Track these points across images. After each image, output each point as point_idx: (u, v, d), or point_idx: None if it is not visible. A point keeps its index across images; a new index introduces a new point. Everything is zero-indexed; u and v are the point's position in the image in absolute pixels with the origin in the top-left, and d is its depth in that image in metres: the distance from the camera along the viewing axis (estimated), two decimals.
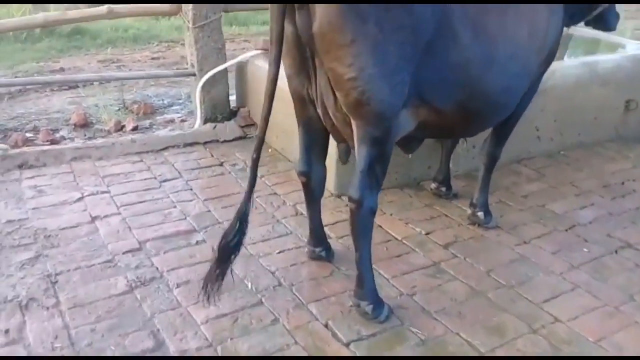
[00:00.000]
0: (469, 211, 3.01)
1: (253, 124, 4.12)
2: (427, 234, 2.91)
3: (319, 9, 1.85)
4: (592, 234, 2.94)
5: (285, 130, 3.69)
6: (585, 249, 2.80)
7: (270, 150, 3.87)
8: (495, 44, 2.14)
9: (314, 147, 2.37)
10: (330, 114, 2.12)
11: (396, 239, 2.87)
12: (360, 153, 2.05)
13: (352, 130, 2.12)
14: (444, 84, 2.10)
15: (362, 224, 2.15)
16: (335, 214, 3.08)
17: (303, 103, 2.23)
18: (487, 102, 2.26)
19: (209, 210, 3.09)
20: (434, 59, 2.00)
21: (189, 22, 3.93)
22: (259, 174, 3.45)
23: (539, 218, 3.10)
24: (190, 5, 3.86)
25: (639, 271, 2.63)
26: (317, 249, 2.61)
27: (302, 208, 3.06)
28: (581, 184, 3.54)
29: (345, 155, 2.51)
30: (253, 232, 2.85)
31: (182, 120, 4.42)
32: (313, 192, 2.48)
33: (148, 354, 2.06)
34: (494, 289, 2.47)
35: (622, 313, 2.33)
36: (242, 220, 2.14)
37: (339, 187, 3.26)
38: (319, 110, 2.17)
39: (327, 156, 3.14)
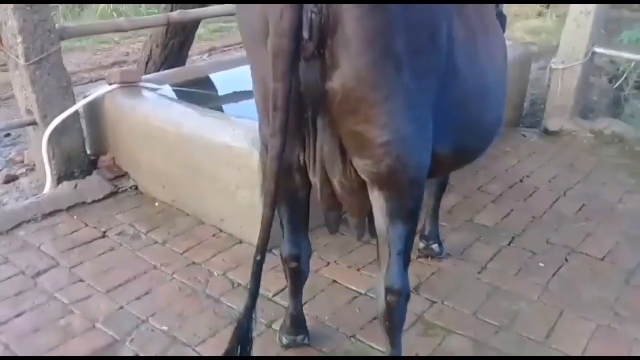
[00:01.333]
0: (421, 244, 2.75)
1: (124, 175, 3.36)
2: None
3: (345, 59, 1.38)
4: (533, 243, 2.90)
5: (173, 179, 3.07)
6: (540, 264, 2.74)
7: (157, 204, 3.19)
8: (486, 72, 1.87)
9: (299, 223, 1.88)
10: (335, 183, 1.66)
11: (360, 292, 2.50)
12: (392, 232, 1.62)
13: (361, 201, 1.70)
14: (446, 126, 1.76)
15: (401, 315, 1.75)
16: (279, 277, 2.59)
17: (288, 172, 1.72)
18: (483, 138, 1.99)
19: (122, 307, 2.38)
20: (441, 100, 1.66)
21: (18, 58, 3.02)
22: (159, 240, 2.86)
23: (477, 235, 2.97)
24: (19, 37, 2.96)
25: (598, 278, 2.63)
26: (299, 337, 2.13)
27: (235, 276, 2.54)
28: (488, 188, 3.52)
29: (335, 224, 2.05)
30: (194, 324, 2.27)
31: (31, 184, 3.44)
32: (302, 276, 2.01)
33: None
34: (493, 334, 2.26)
35: (617, 331, 2.28)
36: (243, 343, 1.60)
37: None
38: (315, 179, 1.69)
39: (249, 205, 2.68)
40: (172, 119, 2.96)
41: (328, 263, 2.71)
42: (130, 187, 3.31)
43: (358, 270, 2.66)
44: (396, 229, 1.62)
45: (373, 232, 2.14)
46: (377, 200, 1.59)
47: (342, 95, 1.42)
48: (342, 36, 1.35)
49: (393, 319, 1.73)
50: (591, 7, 4.22)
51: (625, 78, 5.31)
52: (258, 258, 1.66)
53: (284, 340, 2.13)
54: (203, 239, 2.87)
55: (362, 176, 1.57)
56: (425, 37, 1.45)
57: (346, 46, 1.36)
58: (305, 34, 1.36)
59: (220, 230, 2.93)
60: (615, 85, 5.25)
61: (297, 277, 1.98)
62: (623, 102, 5.15)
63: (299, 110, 1.52)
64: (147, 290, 2.48)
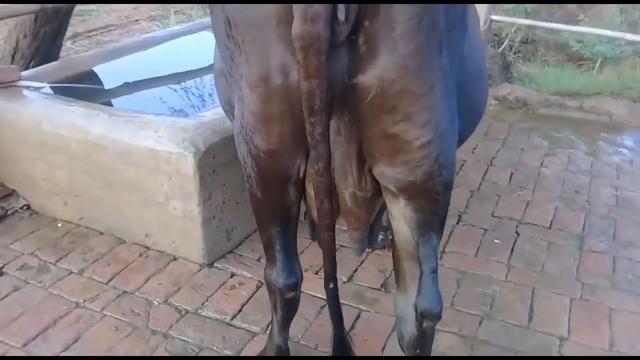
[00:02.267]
0: (380, 236, 2.54)
1: (10, 193, 2.78)
2: (359, 284, 2.35)
3: (387, 44, 1.10)
4: (480, 219, 2.82)
5: (78, 193, 2.58)
6: (495, 240, 2.66)
7: (60, 225, 2.67)
8: (478, 52, 1.67)
9: (293, 246, 1.57)
10: (346, 195, 1.37)
11: (343, 303, 2.24)
12: (425, 247, 1.36)
13: (371, 214, 1.45)
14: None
15: (432, 340, 1.51)
16: (230, 296, 2.26)
17: (283, 186, 1.40)
18: (475, 123, 1.79)
19: None
20: None
21: None
22: (74, 269, 2.38)
23: None
24: None
25: (552, 248, 2.60)
26: None
27: (180, 301, 2.19)
28: None
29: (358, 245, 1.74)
30: None
31: None
32: (297, 305, 1.69)
33: None
34: (477, 325, 2.12)
35: (591, 302, 2.26)
36: None
37: (211, 251, 2.42)
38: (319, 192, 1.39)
39: (183, 216, 2.31)
40: (74, 123, 2.46)
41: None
42: (22, 208, 2.75)
43: (316, 273, 2.40)
44: (429, 243, 1.37)
45: (371, 245, 1.89)
46: (404, 212, 1.33)
47: (378, 90, 1.14)
48: (387, 15, 1.06)
49: (427, 345, 1.50)
50: None
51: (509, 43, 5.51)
52: (331, 286, 1.38)
53: None
54: (129, 261, 2.43)
55: (388, 186, 1.30)
56: (459, 12, 1.21)
57: (390, 28, 1.08)
58: (341, 16, 1.05)
59: (148, 248, 2.51)
60: (500, 50, 5.39)
61: (293, 308, 1.68)
62: (511, 67, 5.31)
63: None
64: (74, 336, 2.04)
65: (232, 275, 2.37)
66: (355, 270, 2.41)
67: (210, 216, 2.37)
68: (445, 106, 1.23)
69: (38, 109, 2.58)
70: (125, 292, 2.26)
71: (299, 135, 1.25)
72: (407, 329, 1.47)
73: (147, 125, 2.35)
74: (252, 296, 2.25)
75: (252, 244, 2.59)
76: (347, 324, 2.08)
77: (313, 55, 1.06)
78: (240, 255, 2.51)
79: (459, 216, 2.85)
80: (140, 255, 2.47)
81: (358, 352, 1.95)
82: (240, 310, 2.17)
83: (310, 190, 1.41)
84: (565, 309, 2.22)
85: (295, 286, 1.56)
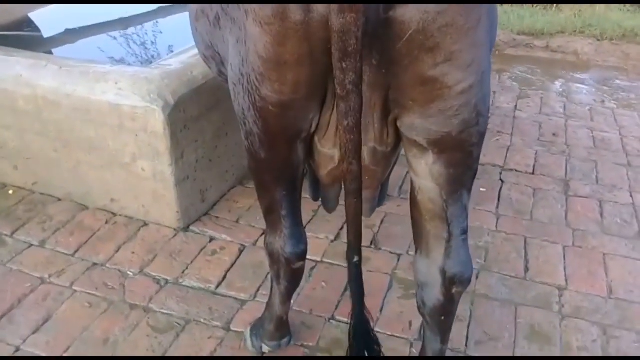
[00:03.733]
0: None
1: None
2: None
3: None
4: None
5: (30, 156, 2.32)
6: (481, 189, 2.57)
7: (11, 192, 2.40)
8: None
9: (299, 210, 1.39)
10: (365, 151, 1.21)
11: (315, 260, 2.10)
12: (455, 206, 1.23)
13: (386, 170, 1.30)
14: None
15: (458, 302, 1.39)
16: (212, 262, 2.09)
17: (293, 144, 1.22)
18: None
19: (17, 348, 1.72)
20: None
21: None
22: (34, 242, 2.15)
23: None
24: None
25: (539, 194, 2.54)
26: (284, 341, 1.70)
27: (157, 271, 2.02)
28: None
29: (336, 201, 1.57)
30: (130, 349, 1.73)
31: None
32: (302, 275, 1.53)
33: None
34: (475, 279, 2.04)
35: (585, 249, 2.21)
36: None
37: (185, 214, 2.22)
38: (333, 149, 1.22)
39: (153, 177, 2.10)
40: (18, 76, 2.16)
41: (263, 231, 2.23)
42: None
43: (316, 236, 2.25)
44: (460, 202, 1.23)
45: (381, 203, 1.75)
46: (432, 168, 1.18)
47: (420, 25, 0.97)
48: None
49: (453, 311, 1.38)
50: None
51: None
52: (356, 259, 1.22)
53: (265, 348, 1.69)
54: (95, 229, 2.21)
55: (417, 139, 1.14)
56: None
57: None
58: None
59: (114, 214, 2.29)
60: None
61: (299, 277, 1.52)
62: None
63: (329, 61, 1.02)
64: (44, 316, 1.83)
65: (211, 239, 2.20)
66: (342, 227, 2.27)
67: (183, 176, 2.16)
68: (488, 43, 1.08)
69: None
70: (95, 264, 2.05)
71: (317, 84, 1.08)
72: (431, 295, 1.34)
73: (105, 77, 2.09)
74: (235, 261, 2.09)
75: (229, 204, 2.41)
76: (338, 286, 1.98)
77: (352, 28, 0.88)
78: (217, 217, 2.33)
79: None
80: (107, 222, 2.25)
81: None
82: (224, 278, 2.01)
83: (321, 147, 1.24)
84: (559, 257, 2.16)
85: (304, 254, 1.41)
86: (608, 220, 2.37)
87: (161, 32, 3.07)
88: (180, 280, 1.99)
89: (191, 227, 2.25)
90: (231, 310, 1.88)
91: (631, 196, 2.53)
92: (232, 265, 2.07)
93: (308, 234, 2.18)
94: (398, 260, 2.12)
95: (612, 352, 1.77)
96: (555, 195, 2.53)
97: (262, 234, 2.24)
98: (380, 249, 2.18)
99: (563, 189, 2.58)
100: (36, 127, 2.22)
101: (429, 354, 1.44)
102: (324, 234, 2.23)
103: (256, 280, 2.00)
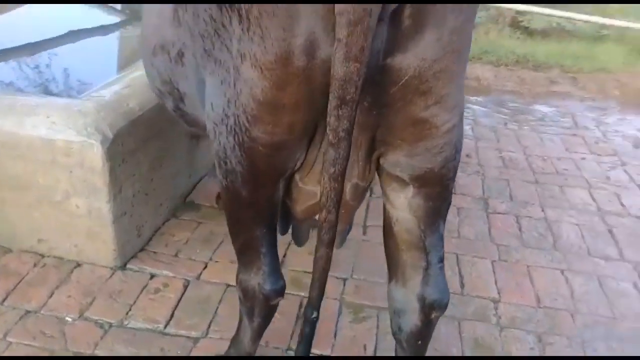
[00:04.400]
0: None
1: None
2: (293, 269, 2.22)
3: (435, 18, 0.99)
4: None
5: None
6: None
7: None
8: None
9: (276, 246, 1.39)
10: (347, 187, 1.24)
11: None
12: (432, 236, 1.28)
13: (358, 205, 1.35)
14: None
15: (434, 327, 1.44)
16: (155, 300, 2.01)
17: (277, 182, 1.23)
18: None
19: None
20: None
21: None
22: None
23: None
24: None
25: (462, 212, 2.70)
26: None
27: (98, 314, 1.93)
28: None
29: (307, 234, 1.57)
30: None
31: None
32: (275, 312, 1.51)
33: None
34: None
35: (511, 263, 2.38)
36: None
37: (122, 251, 2.13)
38: (315, 186, 1.25)
39: (87, 215, 2.01)
40: None
41: (205, 264, 2.21)
42: None
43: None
44: (437, 232, 1.29)
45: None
46: (411, 201, 1.24)
47: (416, 71, 1.02)
48: None
49: (429, 335, 1.43)
50: None
51: None
52: (314, 316, 1.21)
53: None
54: (22, 274, 2.06)
55: (400, 175, 1.20)
56: None
57: None
58: None
59: (42, 256, 2.15)
60: None
61: (273, 314, 1.50)
62: None
63: (325, 100, 1.05)
64: None
65: (152, 276, 2.12)
66: (285, 255, 2.29)
67: (121, 212, 2.08)
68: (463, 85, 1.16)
69: None
70: (28, 311, 1.91)
71: (309, 126, 1.11)
72: (408, 322, 1.39)
73: (35, 110, 1.97)
74: (181, 298, 2.03)
75: (165, 238, 2.34)
76: (291, 316, 1.98)
77: (360, 33, 0.92)
78: (155, 252, 2.25)
79: (371, 189, 2.84)
80: (35, 265, 2.10)
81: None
82: (172, 316, 1.95)
83: (303, 184, 1.26)
84: (489, 271, 2.31)
85: (283, 290, 1.41)
86: (526, 235, 2.57)
87: (69, 60, 2.93)
88: (125, 322, 1.90)
89: (128, 265, 2.16)
90: (184, 349, 1.83)
91: (543, 211, 2.76)
92: (178, 302, 2.01)
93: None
94: (344, 284, 2.17)
95: None
96: (477, 213, 2.71)
97: (204, 267, 2.20)
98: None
99: (483, 207, 2.76)
100: None
101: None
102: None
103: (205, 316, 1.96)
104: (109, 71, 2.65)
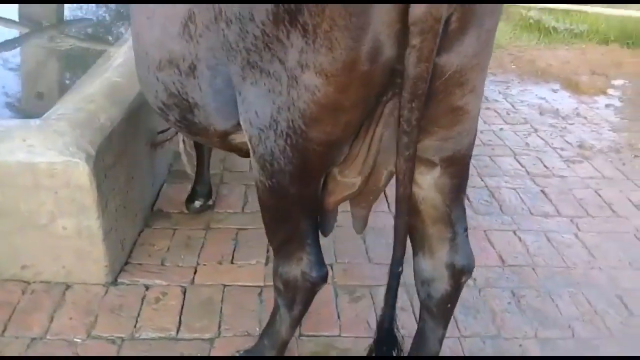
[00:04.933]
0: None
1: None
2: None
3: (476, 21, 1.15)
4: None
5: None
6: None
7: None
8: None
9: (318, 237, 1.50)
10: (384, 174, 1.39)
11: (259, 285, 2.16)
12: (457, 209, 1.45)
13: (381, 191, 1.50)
14: None
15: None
16: (158, 310, 2.03)
17: (322, 176, 1.37)
18: None
19: None
20: None
21: None
22: None
23: None
24: None
25: None
26: None
27: (107, 330, 1.97)
28: None
29: (332, 225, 1.66)
30: None
31: None
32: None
33: None
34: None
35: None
36: None
37: (112, 268, 2.12)
38: (358, 176, 1.38)
39: (83, 231, 2.00)
40: None
41: (195, 269, 2.25)
42: None
43: (232, 262, 2.31)
44: (461, 205, 1.46)
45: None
46: (438, 181, 1.39)
47: (459, 65, 1.18)
48: None
49: (457, 298, 1.59)
50: None
51: None
52: (400, 270, 1.39)
53: None
54: (14, 303, 1.99)
55: (431, 158, 1.35)
56: None
57: (482, 5, 1.14)
58: None
59: (28, 283, 2.08)
60: None
61: (312, 301, 1.60)
62: None
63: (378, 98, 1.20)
64: None
65: (147, 287, 2.13)
66: (268, 250, 2.37)
67: (109, 228, 2.07)
68: None
69: None
70: (33, 338, 1.86)
71: (360, 123, 1.23)
72: (438, 289, 1.54)
73: (9, 134, 1.91)
74: (183, 304, 2.07)
75: (145, 249, 2.35)
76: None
77: (432, 39, 1.06)
78: (140, 264, 2.26)
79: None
80: (24, 293, 2.04)
81: (314, 326, 1.98)
82: (180, 322, 1.98)
83: (342, 177, 1.38)
84: None
85: (327, 277, 1.52)
86: (475, 203, 2.84)
87: None
88: (137, 335, 1.92)
89: (119, 280, 2.15)
90: (203, 351, 1.88)
91: (482, 180, 3.05)
92: (182, 308, 2.05)
93: (237, 262, 2.29)
94: (332, 269, 2.30)
95: (525, 309, 2.17)
96: None
97: (194, 271, 2.24)
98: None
99: None
100: None
101: (430, 341, 1.65)
102: (254, 259, 2.32)
103: (212, 317, 2.02)
104: (44, 86, 2.57)
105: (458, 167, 1.40)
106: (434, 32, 1.06)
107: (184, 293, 2.12)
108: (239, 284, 2.18)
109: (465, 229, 1.50)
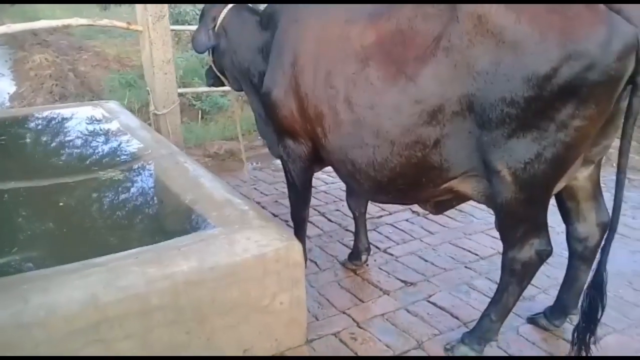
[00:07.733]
0: None
1: None
2: None
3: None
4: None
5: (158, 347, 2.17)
6: None
7: None
8: None
9: None
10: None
11: (405, 282, 2.85)
12: (599, 188, 2.43)
13: None
14: None
15: None
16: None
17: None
18: None
19: None
20: None
21: None
22: None
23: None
24: None
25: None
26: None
27: None
28: None
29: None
30: None
31: None
32: None
33: None
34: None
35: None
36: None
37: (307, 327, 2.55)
38: None
39: (293, 300, 2.46)
40: None
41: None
42: None
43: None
44: (599, 184, 2.43)
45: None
46: (592, 173, 2.35)
47: None
48: None
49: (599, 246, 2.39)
50: (170, 55, 4.82)
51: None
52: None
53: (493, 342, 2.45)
54: None
55: (594, 158, 2.27)
56: None
57: None
58: None
59: None
60: None
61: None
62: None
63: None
64: None
65: (338, 331, 2.62)
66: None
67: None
68: None
69: None
70: None
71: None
72: (592, 240, 2.41)
73: (238, 236, 2.30)
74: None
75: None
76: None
77: None
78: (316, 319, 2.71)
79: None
80: None
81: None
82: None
83: None
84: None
85: (552, 252, 2.29)
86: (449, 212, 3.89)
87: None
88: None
89: (309, 337, 2.56)
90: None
91: None
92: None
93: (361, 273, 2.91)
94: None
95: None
96: None
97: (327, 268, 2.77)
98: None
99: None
100: (169, 316, 2.14)
101: (581, 279, 2.48)
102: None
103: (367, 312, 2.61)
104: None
105: (600, 161, 2.34)
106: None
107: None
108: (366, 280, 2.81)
109: (603, 201, 2.43)
